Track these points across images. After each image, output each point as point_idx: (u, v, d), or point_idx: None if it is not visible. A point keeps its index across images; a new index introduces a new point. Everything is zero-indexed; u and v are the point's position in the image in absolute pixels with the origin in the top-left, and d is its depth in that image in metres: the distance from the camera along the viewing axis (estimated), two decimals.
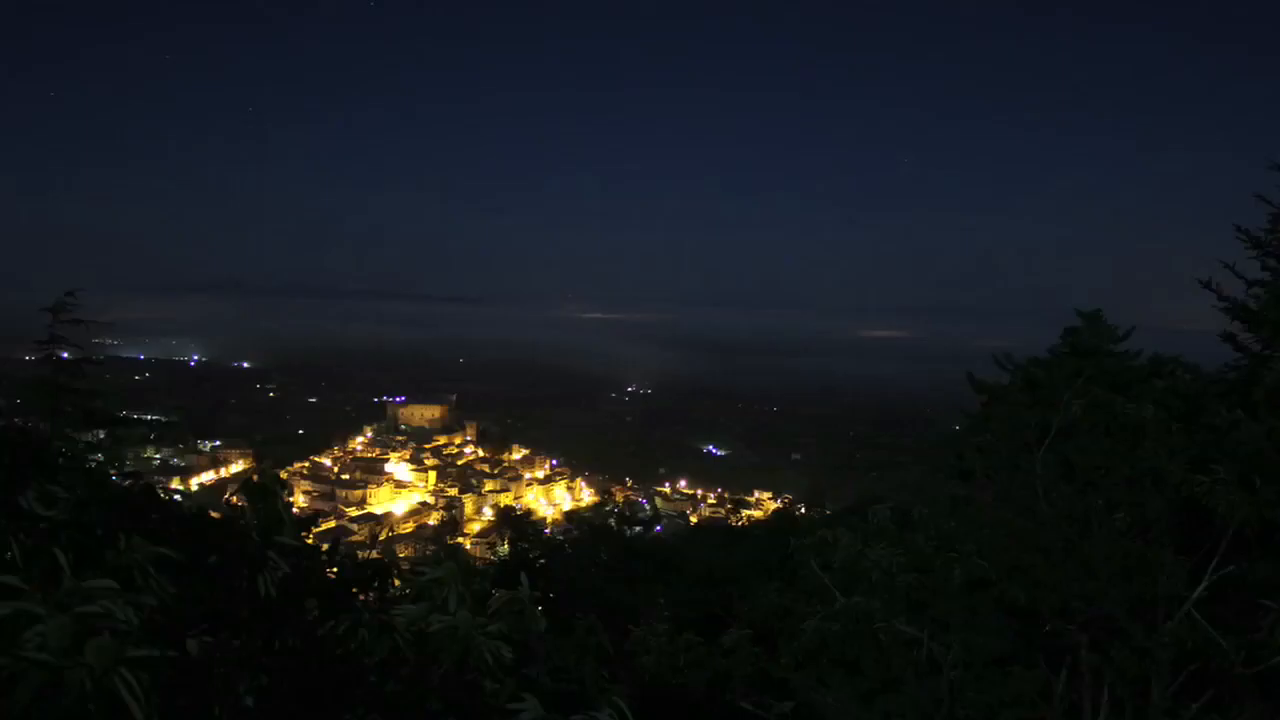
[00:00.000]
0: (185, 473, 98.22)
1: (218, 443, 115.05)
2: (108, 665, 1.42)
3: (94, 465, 18.44)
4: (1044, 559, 7.93)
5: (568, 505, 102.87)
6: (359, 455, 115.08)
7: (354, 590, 2.53)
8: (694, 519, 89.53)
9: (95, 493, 2.11)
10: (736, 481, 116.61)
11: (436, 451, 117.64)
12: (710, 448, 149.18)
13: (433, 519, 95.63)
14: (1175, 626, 6.56)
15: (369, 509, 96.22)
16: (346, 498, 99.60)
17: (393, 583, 2.62)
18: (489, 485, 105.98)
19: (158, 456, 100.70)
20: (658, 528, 45.92)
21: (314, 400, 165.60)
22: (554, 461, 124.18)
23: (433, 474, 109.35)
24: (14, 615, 1.53)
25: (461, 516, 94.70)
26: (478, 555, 38.02)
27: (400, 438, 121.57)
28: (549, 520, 70.07)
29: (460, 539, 73.80)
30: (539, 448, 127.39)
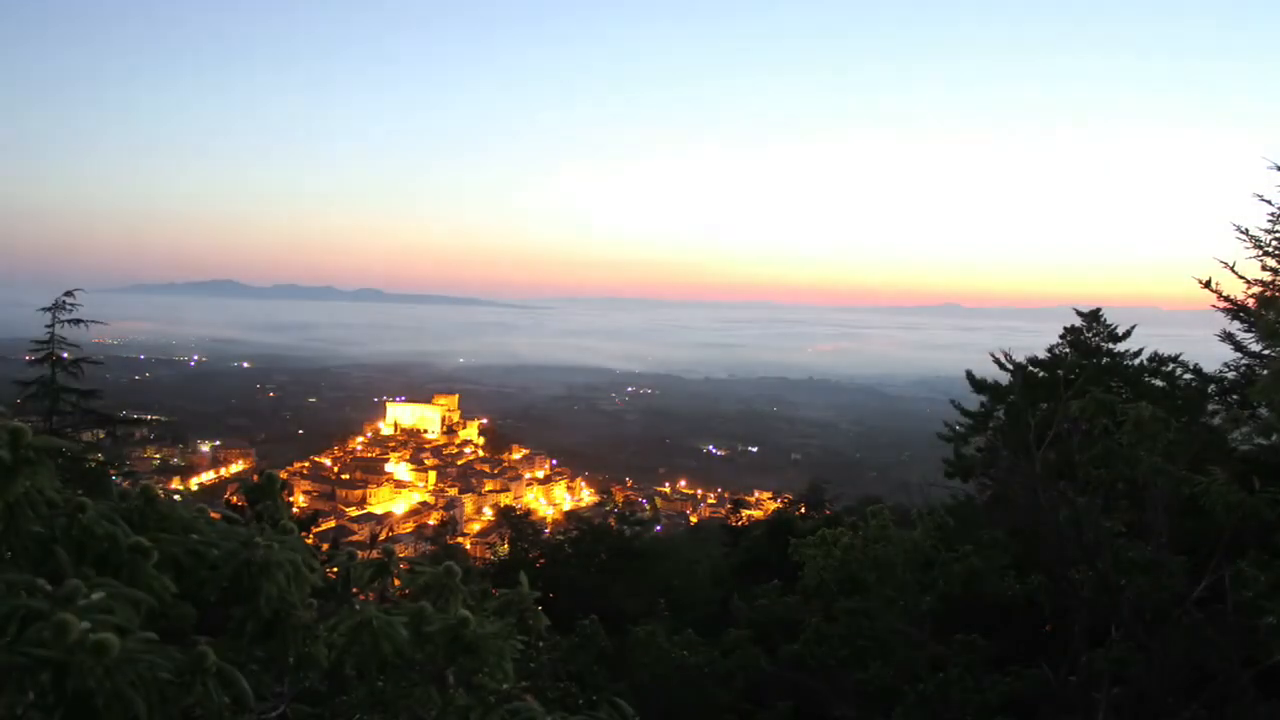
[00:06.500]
0: (185, 473, 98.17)
1: (218, 443, 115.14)
2: (111, 663, 1.42)
3: (94, 465, 18.50)
4: (1044, 559, 7.94)
5: (568, 505, 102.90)
6: (359, 455, 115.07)
7: (354, 590, 2.53)
8: (694, 519, 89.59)
9: (95, 492, 2.11)
10: (736, 481, 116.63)
11: (436, 451, 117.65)
12: (710, 448, 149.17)
13: (433, 519, 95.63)
14: (1175, 626, 6.56)
15: (369, 509, 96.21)
16: (346, 498, 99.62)
17: (393, 582, 2.63)
18: (489, 485, 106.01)
19: (158, 456, 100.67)
20: (657, 528, 45.96)
21: (314, 400, 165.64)
22: (554, 461, 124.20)
23: (433, 474, 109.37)
24: (17, 612, 1.53)
25: (461, 516, 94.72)
26: (478, 555, 37.98)
27: (400, 437, 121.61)
28: (549, 520, 70.10)
29: (460, 539, 73.78)
30: (539, 447, 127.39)
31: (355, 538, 70.37)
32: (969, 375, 19.35)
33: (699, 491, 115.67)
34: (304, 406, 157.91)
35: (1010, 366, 18.41)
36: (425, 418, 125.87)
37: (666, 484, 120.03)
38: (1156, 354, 17.11)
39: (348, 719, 2.53)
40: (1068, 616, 7.73)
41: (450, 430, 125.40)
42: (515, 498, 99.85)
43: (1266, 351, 11.83)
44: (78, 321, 18.46)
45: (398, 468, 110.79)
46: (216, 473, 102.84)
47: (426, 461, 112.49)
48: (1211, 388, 14.35)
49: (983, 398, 18.93)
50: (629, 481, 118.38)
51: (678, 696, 11.16)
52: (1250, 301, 12.78)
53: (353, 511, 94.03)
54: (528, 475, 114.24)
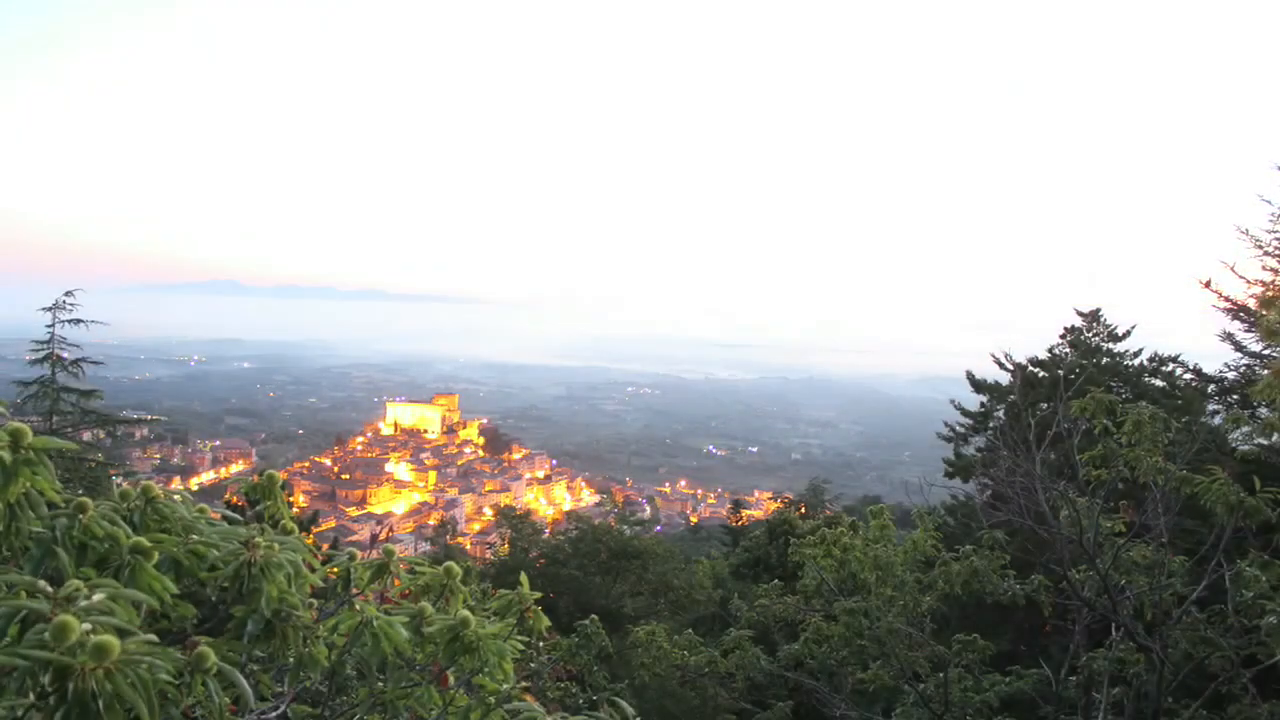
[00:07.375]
0: (185, 473, 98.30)
1: (218, 443, 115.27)
2: (112, 664, 1.42)
3: (94, 465, 18.50)
4: (1044, 559, 7.94)
5: (568, 505, 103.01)
6: (359, 455, 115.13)
7: (354, 590, 2.53)
8: (694, 519, 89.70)
9: (95, 492, 2.11)
10: (736, 481, 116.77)
11: (436, 451, 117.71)
12: (710, 448, 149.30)
13: (433, 519, 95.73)
14: (1175, 626, 6.56)
15: (369, 509, 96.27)
16: (346, 498, 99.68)
17: (393, 582, 2.63)
18: (489, 485, 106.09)
19: (158, 456, 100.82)
20: (657, 528, 45.99)
21: (314, 400, 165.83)
22: (554, 461, 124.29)
23: (433, 474, 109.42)
24: (18, 613, 1.53)
25: (461, 516, 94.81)
26: (478, 555, 38.01)
27: (400, 437, 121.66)
28: (549, 520, 70.12)
29: (460, 539, 73.83)
30: (539, 448, 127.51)
31: (355, 538, 70.41)
32: (969, 375, 19.36)
33: (699, 491, 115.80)
34: (304, 406, 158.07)
35: (1010, 367, 18.42)
36: (425, 418, 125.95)
37: (666, 484, 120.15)
38: (1156, 354, 17.13)
39: (348, 719, 2.53)
40: (1068, 616, 7.74)
41: (450, 430, 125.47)
42: (515, 498, 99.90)
43: (1266, 351, 11.83)
44: (78, 321, 18.46)
45: (398, 468, 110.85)
46: (216, 473, 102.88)
47: (426, 461, 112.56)
48: (1211, 388, 14.35)
49: (983, 398, 18.94)
50: (629, 481, 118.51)
51: (678, 696, 11.17)
52: (1250, 301, 12.78)
53: (353, 511, 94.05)
54: (528, 475, 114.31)
